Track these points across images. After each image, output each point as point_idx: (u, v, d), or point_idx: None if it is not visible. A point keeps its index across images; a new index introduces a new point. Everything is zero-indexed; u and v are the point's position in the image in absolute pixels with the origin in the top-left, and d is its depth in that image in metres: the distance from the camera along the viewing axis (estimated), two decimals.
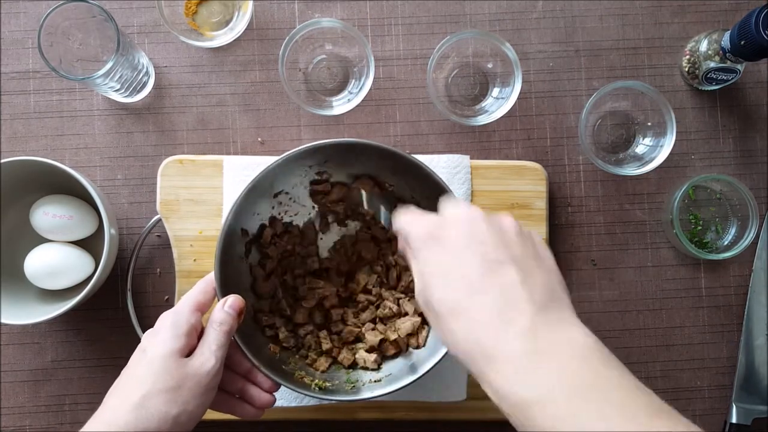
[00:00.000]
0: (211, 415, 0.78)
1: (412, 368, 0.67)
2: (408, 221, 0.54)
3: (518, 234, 0.51)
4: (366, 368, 0.72)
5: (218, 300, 0.66)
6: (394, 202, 0.74)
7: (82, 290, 0.72)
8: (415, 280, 0.52)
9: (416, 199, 0.73)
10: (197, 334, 0.63)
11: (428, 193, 0.68)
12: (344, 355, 0.72)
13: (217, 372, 0.61)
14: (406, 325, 0.71)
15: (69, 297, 0.74)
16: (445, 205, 0.53)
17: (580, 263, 0.82)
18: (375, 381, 0.70)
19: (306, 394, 0.67)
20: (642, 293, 0.82)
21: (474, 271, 0.48)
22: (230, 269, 0.69)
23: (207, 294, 0.66)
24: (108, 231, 0.72)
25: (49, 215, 0.75)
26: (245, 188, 0.68)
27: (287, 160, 0.68)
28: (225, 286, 0.67)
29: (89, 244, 0.79)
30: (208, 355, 0.61)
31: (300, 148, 0.68)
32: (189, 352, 0.62)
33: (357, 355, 0.72)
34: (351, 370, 0.72)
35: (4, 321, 0.70)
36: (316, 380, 0.70)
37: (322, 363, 0.71)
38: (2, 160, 0.71)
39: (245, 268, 0.73)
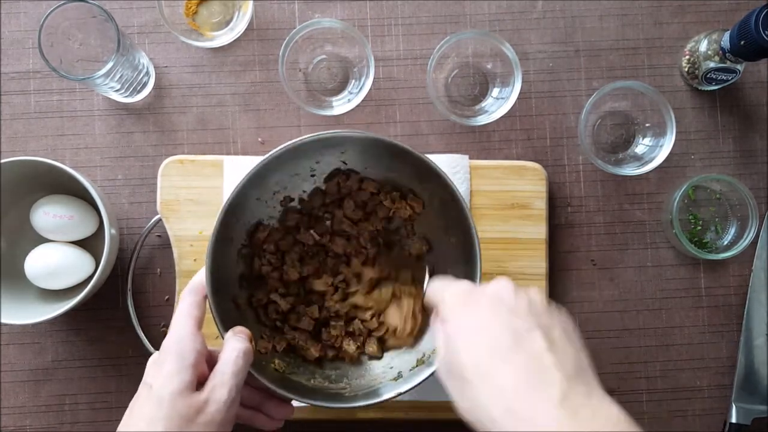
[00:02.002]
0: None
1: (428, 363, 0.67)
2: (440, 289, 0.56)
3: (547, 306, 0.52)
4: (372, 357, 0.72)
5: (210, 300, 0.64)
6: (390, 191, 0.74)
7: (82, 290, 0.72)
8: (440, 348, 0.52)
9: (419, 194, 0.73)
10: (205, 358, 0.59)
11: (439, 193, 0.68)
12: (347, 345, 0.72)
13: (233, 402, 0.56)
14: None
15: (69, 297, 0.74)
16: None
17: (580, 263, 0.82)
18: (392, 379, 0.69)
19: (324, 406, 0.66)
20: (642, 293, 0.82)
21: (502, 337, 0.48)
22: (222, 259, 0.68)
23: (200, 306, 0.62)
24: (108, 231, 0.72)
25: (50, 215, 0.75)
26: (258, 165, 0.66)
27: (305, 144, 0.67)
28: (215, 277, 0.65)
29: (90, 244, 0.79)
30: (221, 388, 0.56)
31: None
32: (200, 381, 0.57)
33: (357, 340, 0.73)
34: (357, 366, 0.72)
35: (4, 321, 0.70)
36: (330, 384, 0.70)
37: (316, 349, 0.71)
38: (2, 160, 0.71)
39: (234, 255, 0.72)
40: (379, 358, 0.72)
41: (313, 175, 0.74)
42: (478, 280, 0.66)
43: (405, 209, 0.73)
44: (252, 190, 0.69)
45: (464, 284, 0.55)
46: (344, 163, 0.73)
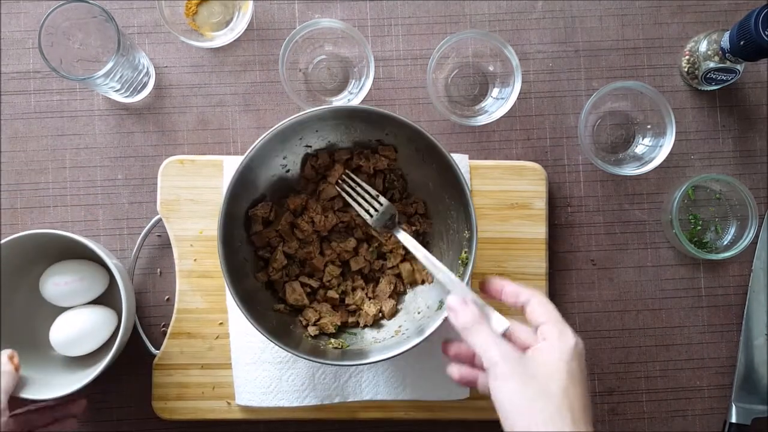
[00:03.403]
0: (211, 415, 0.78)
1: (420, 331, 0.67)
2: (491, 347, 0.56)
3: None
4: (369, 323, 0.74)
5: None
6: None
7: (107, 351, 0.73)
8: (495, 399, 0.54)
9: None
10: None
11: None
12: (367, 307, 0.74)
13: None
14: (405, 265, 0.74)
15: (93, 359, 0.75)
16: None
17: (580, 263, 0.82)
18: (379, 342, 0.71)
19: (315, 360, 0.67)
20: (641, 293, 0.82)
21: (549, 411, 0.53)
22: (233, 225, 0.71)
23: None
24: (123, 290, 0.71)
25: (60, 284, 0.74)
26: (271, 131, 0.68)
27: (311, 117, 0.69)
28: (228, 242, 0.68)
29: (106, 297, 0.78)
30: None
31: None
32: None
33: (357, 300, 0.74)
34: (356, 329, 0.74)
35: (35, 397, 0.70)
36: (326, 342, 0.71)
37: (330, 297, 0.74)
38: (2, 240, 0.71)
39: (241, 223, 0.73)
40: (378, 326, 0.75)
41: (284, 166, 0.74)
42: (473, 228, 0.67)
43: (381, 160, 0.75)
44: (244, 193, 0.71)
45: (512, 351, 0.56)
46: (308, 146, 0.74)
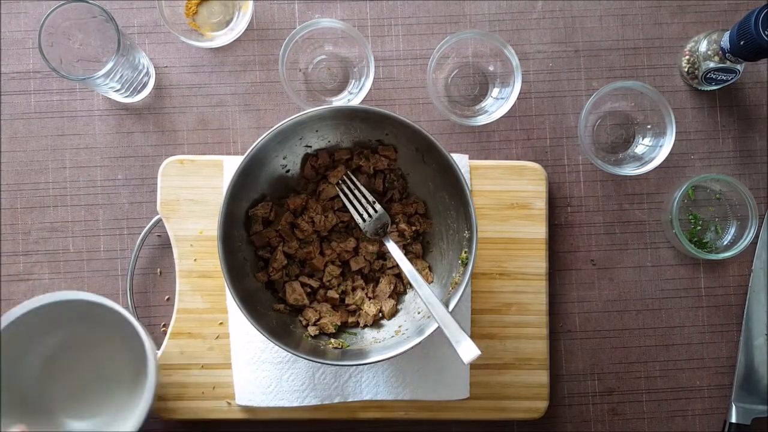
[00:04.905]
0: (211, 415, 0.78)
1: (420, 331, 0.67)
2: None
3: None
4: (369, 323, 0.74)
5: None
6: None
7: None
8: None
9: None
10: None
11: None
12: (367, 307, 0.74)
13: None
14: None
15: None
16: None
17: (580, 263, 0.82)
18: (379, 342, 0.71)
19: (315, 360, 0.67)
20: (641, 293, 0.82)
21: None
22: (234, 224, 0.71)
23: None
24: (152, 374, 0.68)
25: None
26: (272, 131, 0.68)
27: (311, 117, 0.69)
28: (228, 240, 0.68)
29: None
30: None
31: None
32: None
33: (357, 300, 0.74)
34: (356, 329, 0.74)
35: None
36: (326, 342, 0.71)
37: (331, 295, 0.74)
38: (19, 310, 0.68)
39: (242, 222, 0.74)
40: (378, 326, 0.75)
41: (284, 166, 0.74)
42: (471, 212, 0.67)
43: (381, 160, 0.75)
44: (244, 192, 0.71)
45: None
46: (308, 147, 0.74)
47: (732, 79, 0.79)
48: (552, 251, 0.82)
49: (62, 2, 0.70)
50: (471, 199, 0.67)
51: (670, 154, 0.76)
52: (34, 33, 0.72)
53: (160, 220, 0.79)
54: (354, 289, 0.76)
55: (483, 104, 0.82)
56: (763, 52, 0.71)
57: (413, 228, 0.75)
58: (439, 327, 0.65)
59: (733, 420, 0.80)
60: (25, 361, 0.73)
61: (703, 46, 0.79)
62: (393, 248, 0.71)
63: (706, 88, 0.82)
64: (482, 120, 0.78)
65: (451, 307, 0.66)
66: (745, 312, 0.82)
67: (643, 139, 0.81)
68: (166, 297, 0.81)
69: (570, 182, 0.83)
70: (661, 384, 0.81)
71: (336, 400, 0.76)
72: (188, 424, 0.79)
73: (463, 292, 0.67)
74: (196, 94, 0.83)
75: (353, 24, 0.83)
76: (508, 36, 0.83)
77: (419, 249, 0.76)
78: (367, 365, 0.74)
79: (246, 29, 0.81)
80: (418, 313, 0.73)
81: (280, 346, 0.66)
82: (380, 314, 0.74)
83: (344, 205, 0.75)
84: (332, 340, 0.72)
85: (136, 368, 0.74)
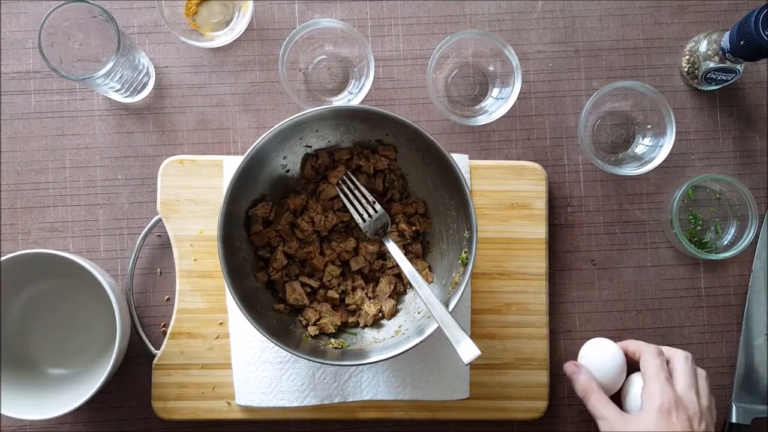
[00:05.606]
0: (211, 415, 0.78)
1: (420, 331, 0.67)
2: (600, 408, 0.69)
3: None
4: (369, 323, 0.74)
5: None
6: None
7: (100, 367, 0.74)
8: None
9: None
10: None
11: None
12: (367, 307, 0.74)
13: None
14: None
15: (88, 375, 0.76)
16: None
17: (580, 263, 0.82)
18: (379, 342, 0.71)
19: (315, 360, 0.67)
20: (641, 293, 0.82)
21: None
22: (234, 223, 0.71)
23: None
24: (119, 316, 0.71)
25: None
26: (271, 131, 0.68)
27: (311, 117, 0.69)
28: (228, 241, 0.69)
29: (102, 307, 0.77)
30: None
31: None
32: None
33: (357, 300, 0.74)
34: (356, 329, 0.74)
35: (35, 418, 0.70)
36: (326, 342, 0.71)
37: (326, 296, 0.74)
38: (3, 258, 0.71)
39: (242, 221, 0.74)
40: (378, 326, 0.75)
41: (284, 166, 0.75)
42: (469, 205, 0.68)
43: (381, 160, 0.75)
44: (244, 192, 0.71)
45: (617, 416, 0.68)
46: (308, 147, 0.74)
47: (732, 79, 0.79)
48: (552, 251, 0.82)
49: (62, 2, 0.70)
50: (471, 199, 0.67)
51: (670, 154, 0.76)
52: (34, 33, 0.72)
53: (160, 220, 0.79)
54: (354, 289, 0.76)
55: (483, 104, 0.82)
56: (763, 52, 0.71)
57: (413, 228, 0.75)
58: (439, 327, 0.65)
59: (733, 420, 0.80)
60: (4, 309, 0.76)
61: (703, 46, 0.79)
62: (393, 248, 0.71)
63: (706, 88, 0.82)
64: (482, 120, 0.78)
65: (451, 307, 0.66)
66: (745, 312, 0.82)
67: (643, 139, 0.81)
68: (166, 297, 0.81)
69: (570, 182, 0.83)
70: None
71: (336, 400, 0.76)
72: (188, 424, 0.79)
73: (463, 292, 0.67)
74: (196, 94, 0.83)
75: (353, 24, 0.83)
76: (508, 36, 0.83)
77: (419, 249, 0.76)
78: (367, 365, 0.74)
79: (246, 29, 0.81)
80: (418, 313, 0.73)
81: (280, 346, 0.66)
82: (380, 314, 0.74)
83: (344, 205, 0.75)
84: (332, 340, 0.72)
85: (108, 319, 0.75)
